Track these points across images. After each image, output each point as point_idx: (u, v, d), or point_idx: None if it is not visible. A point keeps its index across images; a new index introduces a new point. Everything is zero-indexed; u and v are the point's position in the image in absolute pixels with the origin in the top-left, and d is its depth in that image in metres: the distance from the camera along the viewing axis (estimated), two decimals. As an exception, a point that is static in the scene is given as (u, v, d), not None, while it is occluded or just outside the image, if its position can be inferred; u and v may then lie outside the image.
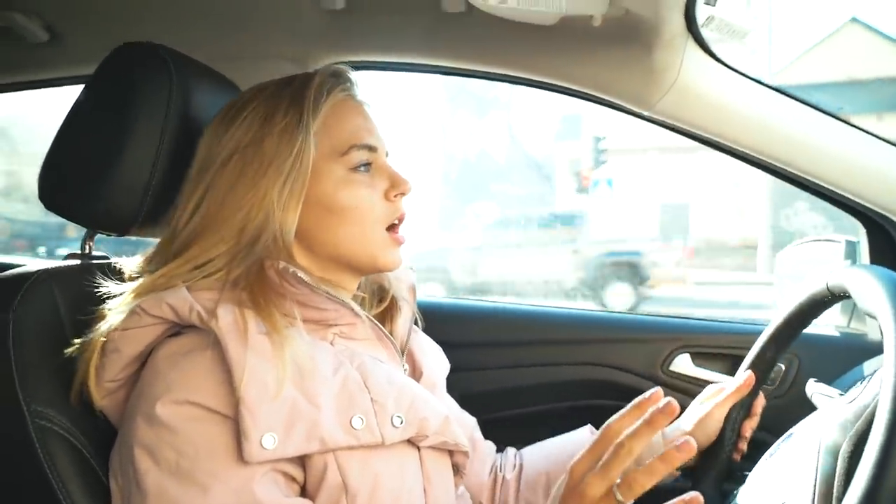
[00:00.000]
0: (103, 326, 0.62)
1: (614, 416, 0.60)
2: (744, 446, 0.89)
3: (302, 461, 0.60)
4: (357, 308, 0.67)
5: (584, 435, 0.92)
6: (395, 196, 0.71)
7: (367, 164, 0.71)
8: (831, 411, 0.70)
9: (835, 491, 0.60)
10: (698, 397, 0.91)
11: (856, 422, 0.62)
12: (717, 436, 0.88)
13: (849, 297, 0.74)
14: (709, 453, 0.88)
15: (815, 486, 0.62)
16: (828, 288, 0.76)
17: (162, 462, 0.57)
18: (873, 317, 0.62)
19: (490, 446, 0.93)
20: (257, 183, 0.66)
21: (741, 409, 0.88)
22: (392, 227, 0.72)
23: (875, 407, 0.58)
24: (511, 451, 0.94)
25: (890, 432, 0.50)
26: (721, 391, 0.88)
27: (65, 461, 0.64)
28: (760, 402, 0.90)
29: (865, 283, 0.65)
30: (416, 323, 0.83)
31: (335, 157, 0.69)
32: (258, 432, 0.56)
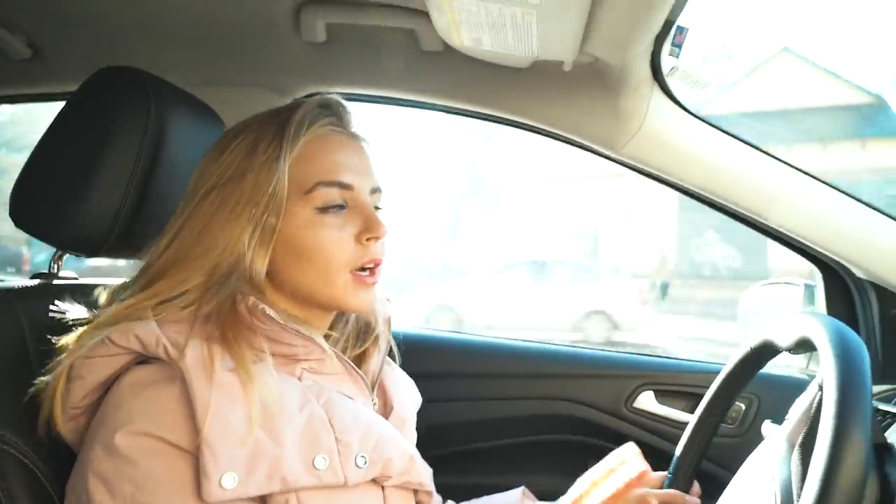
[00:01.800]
0: (68, 353, 0.62)
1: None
2: None
3: (263, 499, 0.59)
4: (324, 344, 0.66)
5: (516, 496, 0.90)
6: (368, 240, 0.68)
7: (338, 206, 0.67)
8: (776, 432, 0.72)
9: (796, 495, 0.61)
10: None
11: (801, 427, 0.64)
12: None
13: (780, 348, 0.77)
14: None
15: (776, 499, 0.64)
16: (761, 343, 0.79)
17: (118, 494, 0.56)
18: (807, 347, 0.65)
19: (437, 500, 0.93)
20: (232, 221, 0.65)
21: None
22: (363, 269, 0.68)
23: (816, 408, 0.61)
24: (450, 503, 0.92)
25: (837, 418, 0.52)
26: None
27: (19, 485, 0.63)
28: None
29: (788, 325, 0.69)
30: (391, 355, 0.82)
31: (301, 194, 0.66)
32: (218, 471, 0.55)
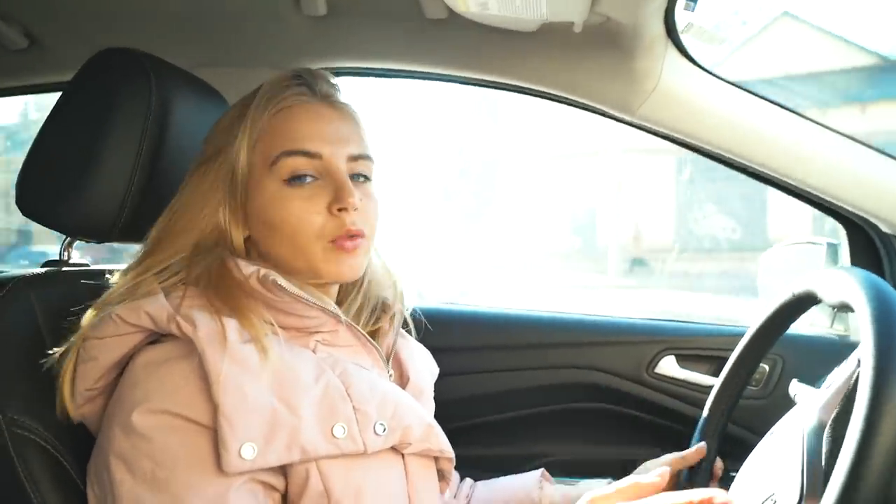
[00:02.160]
0: (78, 334, 0.62)
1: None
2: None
3: (283, 470, 0.59)
4: (337, 310, 0.66)
5: (534, 477, 0.89)
6: (339, 210, 0.65)
7: (305, 175, 0.65)
8: (810, 399, 0.70)
9: (823, 470, 0.60)
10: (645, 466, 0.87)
11: (836, 402, 0.63)
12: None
13: (821, 301, 0.75)
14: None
15: (802, 471, 0.62)
16: (804, 293, 0.77)
17: (138, 472, 0.56)
18: (849, 309, 0.63)
19: (455, 475, 0.92)
20: (209, 196, 0.66)
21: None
22: (342, 238, 0.66)
23: (853, 384, 0.59)
24: (468, 482, 0.93)
25: (873, 404, 0.50)
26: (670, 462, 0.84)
27: (41, 469, 0.63)
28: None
29: (837, 280, 0.66)
30: (405, 327, 0.81)
31: (266, 167, 0.65)
32: (237, 442, 0.55)
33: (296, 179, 0.65)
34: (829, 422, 0.62)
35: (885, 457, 0.49)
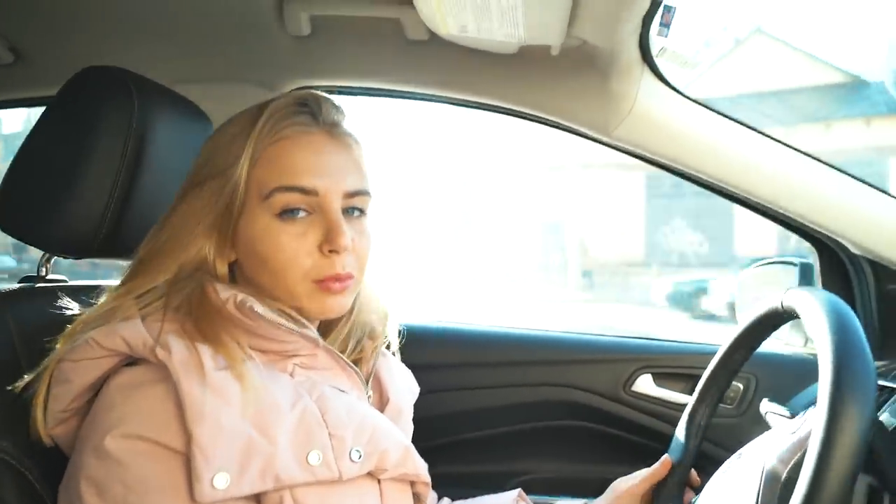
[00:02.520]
0: (53, 356, 0.61)
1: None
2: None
3: (257, 496, 0.59)
4: (315, 335, 0.65)
5: (511, 497, 0.90)
6: (330, 252, 0.64)
7: (297, 210, 0.63)
8: (774, 439, 0.71)
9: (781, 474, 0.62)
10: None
11: (794, 453, 0.64)
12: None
13: (796, 317, 0.77)
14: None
15: (761, 476, 0.64)
16: (779, 308, 0.79)
17: (108, 497, 0.55)
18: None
19: (433, 495, 0.92)
20: (203, 218, 0.65)
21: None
22: (329, 279, 0.64)
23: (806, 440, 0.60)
24: (445, 502, 0.92)
25: (819, 464, 0.51)
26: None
27: (11, 490, 0.62)
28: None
29: (809, 305, 0.68)
30: (388, 347, 0.81)
31: (260, 198, 0.64)
32: (210, 472, 0.54)
33: (287, 213, 0.63)
34: (785, 473, 0.63)
35: (850, 445, 0.51)
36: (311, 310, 0.66)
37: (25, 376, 0.62)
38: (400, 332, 0.84)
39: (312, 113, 0.66)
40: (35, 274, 0.82)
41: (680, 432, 0.89)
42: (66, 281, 0.83)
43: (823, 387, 0.57)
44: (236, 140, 0.65)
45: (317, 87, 1.15)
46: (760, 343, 0.86)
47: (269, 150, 0.64)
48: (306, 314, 0.66)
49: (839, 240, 1.10)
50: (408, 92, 1.16)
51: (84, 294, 0.71)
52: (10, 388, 0.62)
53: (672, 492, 0.89)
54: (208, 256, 0.65)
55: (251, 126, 0.65)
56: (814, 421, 0.57)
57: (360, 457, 0.62)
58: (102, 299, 0.67)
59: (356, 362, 0.74)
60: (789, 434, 0.68)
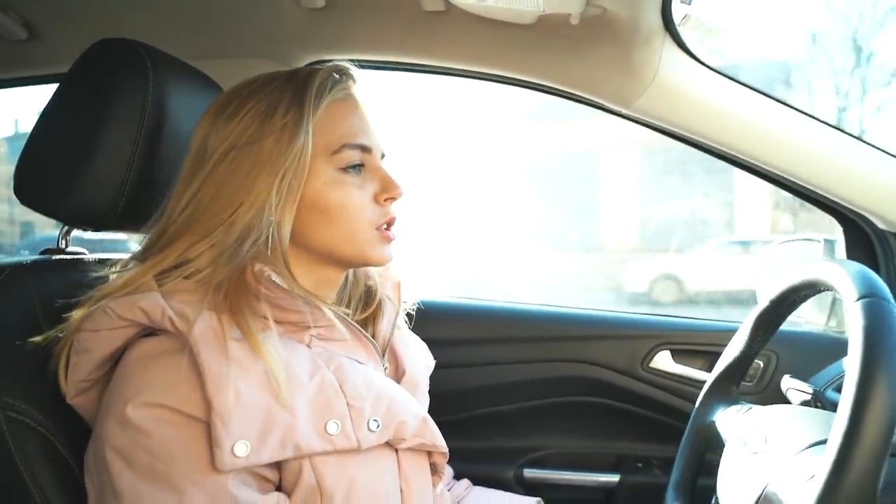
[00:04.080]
0: (71, 325, 0.62)
1: None
2: None
3: (277, 464, 0.60)
4: (330, 314, 0.66)
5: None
6: (386, 200, 0.70)
7: (359, 165, 0.69)
8: (786, 466, 0.69)
9: None
10: None
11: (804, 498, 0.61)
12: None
13: (823, 290, 0.75)
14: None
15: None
16: (810, 280, 0.77)
17: (135, 465, 0.56)
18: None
19: (449, 471, 0.93)
20: (252, 181, 0.64)
21: None
22: (388, 226, 0.71)
23: None
24: (463, 483, 0.93)
25: (848, 440, 0.51)
26: None
27: (37, 454, 0.63)
28: None
29: (840, 275, 0.66)
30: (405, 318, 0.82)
31: (326, 155, 0.67)
32: (230, 440, 0.55)
33: (352, 168, 0.69)
34: None
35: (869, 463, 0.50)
36: (374, 257, 0.70)
37: (39, 338, 0.62)
38: (419, 306, 0.84)
39: (352, 80, 0.73)
40: (55, 246, 0.83)
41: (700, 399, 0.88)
42: (85, 253, 0.84)
43: (852, 369, 0.55)
44: (287, 101, 0.67)
45: (332, 61, 1.13)
46: (784, 318, 0.84)
47: (326, 110, 0.68)
48: (370, 262, 0.71)
49: (866, 215, 1.08)
50: (424, 65, 1.14)
51: (105, 266, 0.71)
52: (35, 352, 0.63)
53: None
54: (265, 215, 0.64)
55: (299, 90, 0.67)
56: (842, 394, 0.56)
57: (378, 426, 0.63)
58: (117, 270, 0.68)
59: (371, 336, 0.74)
60: (805, 481, 0.64)
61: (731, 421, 0.82)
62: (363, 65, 1.17)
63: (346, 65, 0.73)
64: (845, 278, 0.63)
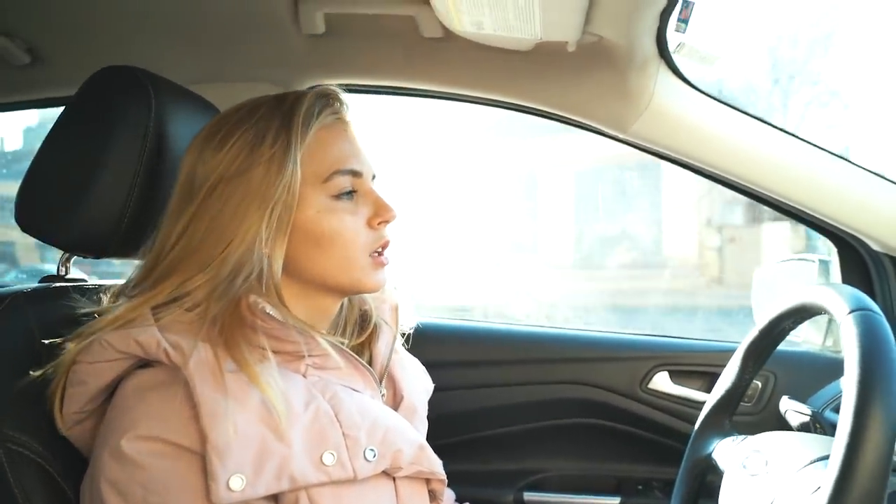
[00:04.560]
0: (66, 356, 0.61)
1: None
2: None
3: (274, 497, 0.59)
4: (325, 344, 0.65)
5: None
6: (379, 224, 0.69)
7: (351, 192, 0.68)
8: (798, 478, 0.69)
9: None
10: None
11: None
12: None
13: (812, 314, 0.76)
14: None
15: None
16: (798, 306, 0.78)
17: (130, 498, 0.56)
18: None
19: (451, 494, 0.92)
20: (242, 214, 0.63)
21: None
22: (375, 252, 0.70)
23: None
24: None
25: (847, 462, 0.51)
26: None
27: (35, 485, 0.63)
28: None
29: (828, 295, 0.67)
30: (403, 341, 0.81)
31: (317, 184, 0.66)
32: (226, 474, 0.54)
33: (345, 195, 0.68)
34: None
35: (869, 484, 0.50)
36: (367, 285, 0.70)
37: (37, 373, 0.62)
38: (415, 328, 0.84)
39: (339, 103, 0.72)
40: (55, 273, 0.83)
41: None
42: (85, 281, 0.84)
43: (850, 384, 0.56)
44: (274, 130, 0.66)
45: (330, 85, 1.14)
46: (782, 339, 0.85)
47: (314, 137, 0.67)
48: (365, 289, 0.70)
49: (860, 237, 1.09)
50: (422, 90, 1.15)
51: (103, 293, 0.72)
52: (35, 382, 0.63)
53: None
54: (257, 248, 0.63)
55: (286, 117, 0.66)
56: (842, 407, 0.56)
57: (374, 456, 0.62)
58: (109, 299, 0.68)
59: (369, 361, 0.74)
60: (812, 491, 0.65)
61: (728, 450, 0.82)
62: (362, 89, 1.19)
63: (334, 88, 0.72)
64: (834, 296, 0.64)
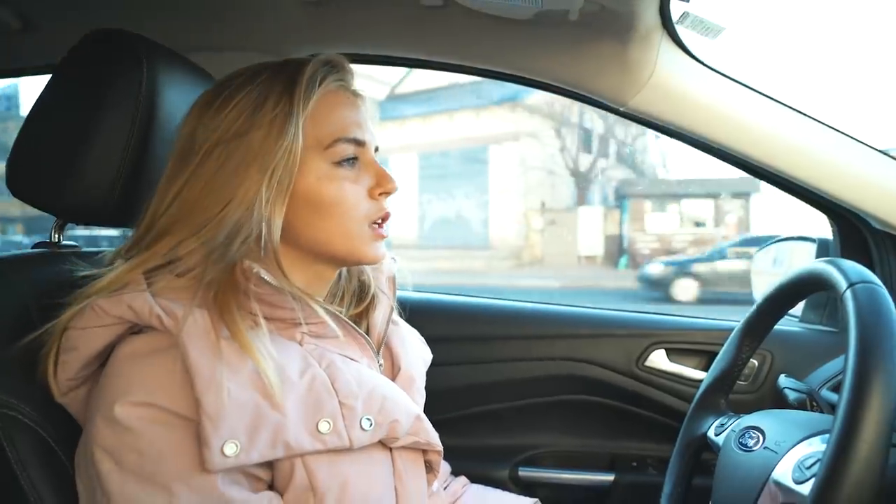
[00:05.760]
0: (60, 321, 0.61)
1: None
2: None
3: (269, 462, 0.59)
4: (321, 312, 0.64)
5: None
6: (380, 195, 0.69)
7: (353, 159, 0.68)
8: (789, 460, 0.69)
9: None
10: None
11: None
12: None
13: (810, 291, 0.75)
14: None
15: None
16: (797, 282, 0.77)
17: (124, 464, 0.55)
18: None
19: (446, 467, 0.92)
20: (241, 176, 0.62)
21: None
22: (375, 223, 0.69)
23: None
24: (461, 480, 0.92)
25: (846, 435, 0.51)
26: None
27: (29, 450, 0.63)
28: None
29: (828, 269, 0.66)
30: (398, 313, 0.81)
31: (320, 150, 0.66)
32: (219, 440, 0.54)
33: (346, 162, 0.67)
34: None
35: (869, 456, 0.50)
36: (366, 255, 0.69)
37: (32, 336, 0.62)
38: (409, 303, 0.84)
39: (344, 71, 0.71)
40: (48, 240, 0.82)
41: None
42: (78, 247, 0.83)
43: (851, 355, 0.55)
44: (276, 93, 0.65)
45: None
46: (780, 317, 0.84)
47: (318, 103, 0.66)
48: (363, 260, 0.69)
49: (861, 214, 1.08)
50: (419, 59, 1.13)
51: (98, 260, 0.71)
52: (28, 347, 0.62)
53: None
54: (256, 211, 0.62)
55: (289, 82, 0.65)
56: (844, 379, 0.56)
57: (370, 425, 0.62)
58: (105, 263, 0.67)
59: (366, 332, 0.74)
60: (811, 464, 0.66)
61: (723, 428, 0.82)
62: (358, 58, 1.17)
63: (338, 56, 0.71)
64: (834, 271, 0.63)
